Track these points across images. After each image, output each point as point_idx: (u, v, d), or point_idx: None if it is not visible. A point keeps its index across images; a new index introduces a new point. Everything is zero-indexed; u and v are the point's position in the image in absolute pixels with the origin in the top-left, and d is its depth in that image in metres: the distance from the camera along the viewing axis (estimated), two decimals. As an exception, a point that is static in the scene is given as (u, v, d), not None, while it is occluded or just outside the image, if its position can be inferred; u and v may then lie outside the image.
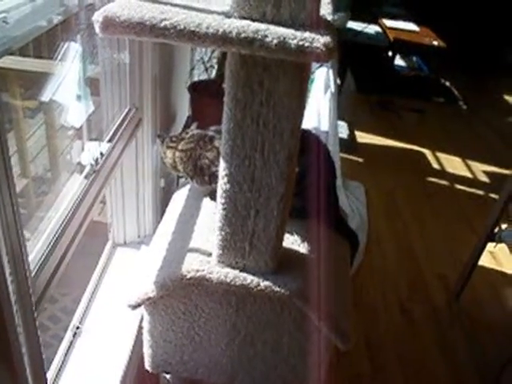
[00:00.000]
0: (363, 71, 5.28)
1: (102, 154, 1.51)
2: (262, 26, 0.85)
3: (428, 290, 2.62)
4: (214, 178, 1.32)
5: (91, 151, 1.54)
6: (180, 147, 1.40)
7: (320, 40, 0.84)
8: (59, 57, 1.64)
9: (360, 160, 3.77)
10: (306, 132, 1.25)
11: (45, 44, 1.65)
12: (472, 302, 2.56)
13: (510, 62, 6.27)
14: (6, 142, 0.77)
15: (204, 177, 1.37)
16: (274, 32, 0.84)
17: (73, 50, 1.64)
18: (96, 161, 1.50)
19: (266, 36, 0.84)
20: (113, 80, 1.63)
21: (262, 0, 0.87)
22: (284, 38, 0.84)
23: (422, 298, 2.57)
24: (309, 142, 1.31)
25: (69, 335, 1.48)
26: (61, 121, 2.09)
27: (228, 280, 1.14)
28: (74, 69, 1.68)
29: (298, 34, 0.85)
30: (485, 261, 2.69)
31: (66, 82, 1.77)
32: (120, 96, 1.64)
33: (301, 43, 0.84)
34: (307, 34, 0.85)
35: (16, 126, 2.11)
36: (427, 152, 4.05)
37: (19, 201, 0.84)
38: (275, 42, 0.84)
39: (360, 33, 4.09)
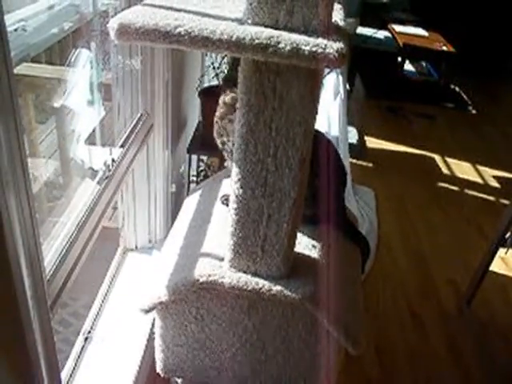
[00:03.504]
0: (373, 76, 5.28)
1: (113, 159, 1.53)
2: (276, 33, 0.86)
3: (438, 296, 2.61)
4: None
5: (103, 157, 1.56)
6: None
7: (333, 46, 0.85)
8: (71, 63, 1.66)
9: (370, 165, 3.76)
10: (317, 133, 1.23)
11: (58, 50, 1.67)
12: (483, 307, 2.54)
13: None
14: (23, 146, 0.78)
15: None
16: (288, 38, 0.85)
17: (84, 56, 1.66)
18: (108, 166, 1.51)
19: (280, 42, 0.85)
20: (125, 86, 1.65)
21: (275, 7, 0.88)
22: (297, 45, 0.84)
23: (433, 304, 2.56)
24: (320, 144, 1.30)
25: (80, 340, 1.49)
26: (72, 126, 2.11)
27: (240, 284, 1.15)
28: (85, 75, 1.70)
29: (311, 40, 0.85)
30: (496, 266, 2.67)
31: (77, 88, 1.79)
32: (132, 102, 1.66)
33: (314, 49, 0.84)
34: (320, 40, 0.85)
35: (28, 130, 2.13)
36: (437, 157, 4.04)
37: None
38: (288, 48, 0.84)
39: (370, 38, 4.10)
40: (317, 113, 0.99)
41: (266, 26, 0.88)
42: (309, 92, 0.94)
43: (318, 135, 1.24)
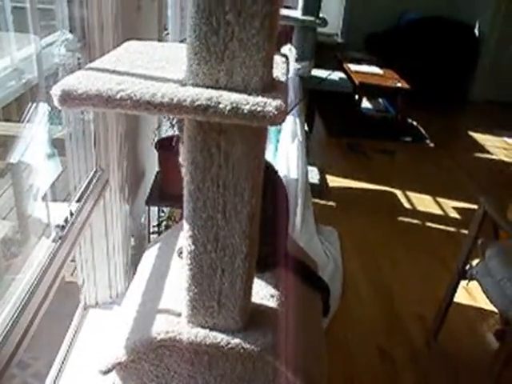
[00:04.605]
0: (332, 115, 5.39)
1: (71, 213, 1.52)
2: (215, 93, 0.88)
3: (406, 331, 2.62)
4: None
5: (60, 213, 1.55)
6: None
7: (272, 104, 0.87)
8: (27, 118, 1.66)
9: (332, 204, 3.80)
10: (267, 169, 1.19)
11: (11, 110, 1.68)
12: (450, 340, 2.56)
13: (472, 99, 6.49)
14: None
15: None
16: (227, 98, 0.87)
17: (41, 111, 1.66)
18: (65, 221, 1.50)
19: (220, 102, 0.87)
20: (78, 141, 1.65)
21: (214, 67, 0.90)
22: (237, 104, 0.86)
23: (401, 340, 2.56)
24: (269, 179, 1.26)
25: (40, 404, 1.45)
26: (29, 181, 2.09)
27: (198, 340, 1.14)
28: (42, 130, 1.70)
29: (251, 98, 0.88)
30: (460, 297, 2.71)
31: (34, 144, 1.78)
32: (86, 157, 1.66)
33: (253, 108, 0.86)
34: (259, 99, 0.88)
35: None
36: (398, 192, 4.11)
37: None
38: (228, 108, 0.86)
39: (324, 80, 4.19)
40: (263, 167, 1.01)
41: (206, 87, 0.91)
42: (253, 148, 0.96)
43: (268, 171, 1.22)
